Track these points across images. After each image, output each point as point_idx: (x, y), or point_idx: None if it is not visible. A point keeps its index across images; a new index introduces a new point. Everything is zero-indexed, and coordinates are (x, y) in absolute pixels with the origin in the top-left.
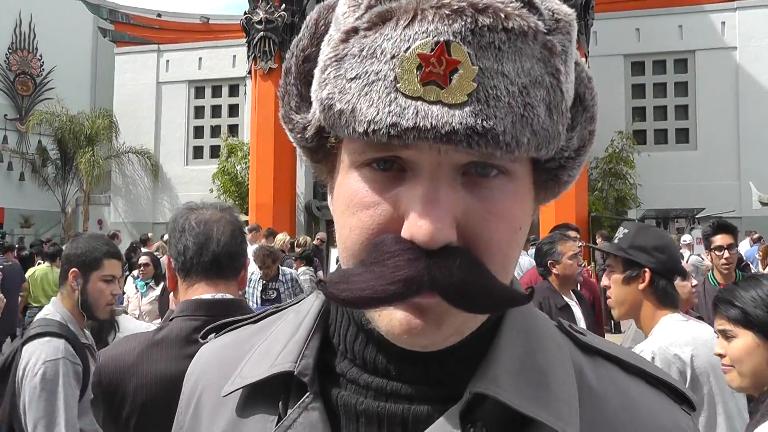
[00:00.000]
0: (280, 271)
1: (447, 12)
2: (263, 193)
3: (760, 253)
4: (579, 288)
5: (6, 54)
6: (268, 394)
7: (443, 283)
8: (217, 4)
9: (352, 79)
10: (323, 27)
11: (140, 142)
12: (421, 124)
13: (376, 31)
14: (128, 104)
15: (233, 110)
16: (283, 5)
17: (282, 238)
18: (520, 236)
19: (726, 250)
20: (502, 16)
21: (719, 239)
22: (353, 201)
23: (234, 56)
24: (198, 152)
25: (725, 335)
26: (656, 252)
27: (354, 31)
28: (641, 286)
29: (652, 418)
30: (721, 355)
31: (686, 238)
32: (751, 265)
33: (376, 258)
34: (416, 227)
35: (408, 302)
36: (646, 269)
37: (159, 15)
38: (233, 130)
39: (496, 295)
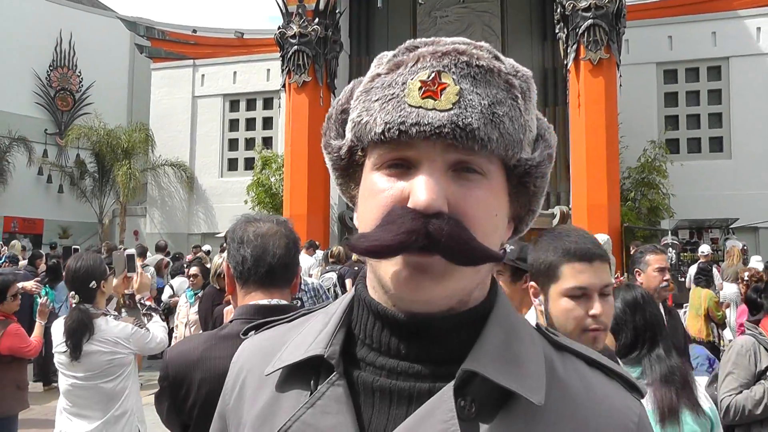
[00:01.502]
0: (302, 281)
1: (439, 54)
2: (297, 204)
3: None
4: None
5: (47, 71)
6: (302, 375)
7: (436, 236)
8: (251, 20)
9: (375, 101)
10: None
11: (176, 154)
12: (421, 121)
13: (392, 73)
14: (164, 118)
15: (267, 123)
16: (317, 20)
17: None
18: (497, 221)
19: None
20: (475, 57)
21: None
22: (373, 190)
23: (268, 70)
24: (233, 164)
25: None
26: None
27: (377, 75)
28: (524, 285)
29: (607, 400)
30: None
31: (704, 248)
32: None
33: (388, 220)
34: (417, 198)
35: (412, 257)
36: (528, 274)
37: (194, 31)
38: (267, 142)
39: (476, 250)
